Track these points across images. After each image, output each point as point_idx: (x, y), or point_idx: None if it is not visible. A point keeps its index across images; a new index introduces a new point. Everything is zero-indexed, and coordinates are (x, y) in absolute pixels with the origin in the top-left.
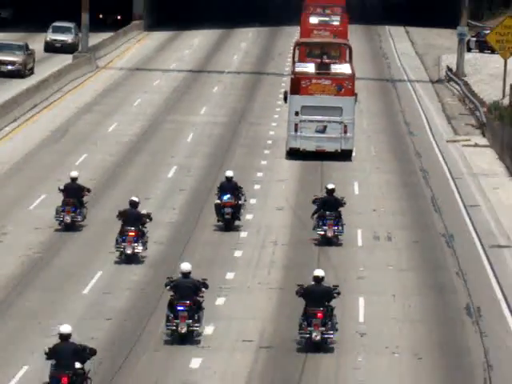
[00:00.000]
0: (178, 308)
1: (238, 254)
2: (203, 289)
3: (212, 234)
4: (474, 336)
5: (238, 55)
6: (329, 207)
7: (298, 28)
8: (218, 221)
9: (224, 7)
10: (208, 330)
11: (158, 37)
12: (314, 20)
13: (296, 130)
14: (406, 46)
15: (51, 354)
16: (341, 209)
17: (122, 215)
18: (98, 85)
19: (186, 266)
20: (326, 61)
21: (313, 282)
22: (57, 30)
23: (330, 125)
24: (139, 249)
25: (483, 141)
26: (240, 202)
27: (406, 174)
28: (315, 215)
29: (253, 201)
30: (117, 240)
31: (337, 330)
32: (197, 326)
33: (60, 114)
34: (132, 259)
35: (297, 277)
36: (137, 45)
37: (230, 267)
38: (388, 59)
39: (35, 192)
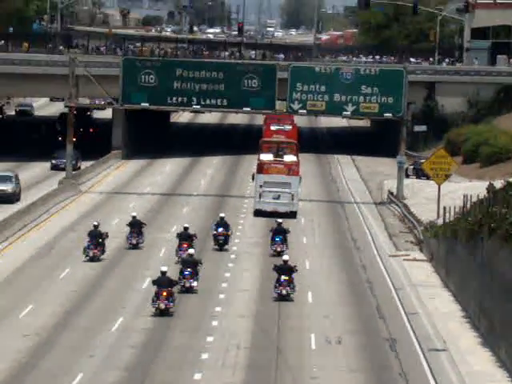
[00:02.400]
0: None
1: (205, 356)
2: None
3: (182, 338)
4: None
5: (205, 180)
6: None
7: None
8: (215, 245)
9: (192, 138)
10: None
11: (134, 164)
12: (273, 127)
13: (260, 197)
14: (352, 172)
15: (155, 282)
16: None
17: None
18: (80, 207)
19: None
20: (280, 153)
21: (282, 263)
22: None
23: (282, 194)
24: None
25: (421, 256)
26: (229, 233)
27: (353, 284)
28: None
29: (218, 308)
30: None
31: (295, 290)
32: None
33: (47, 233)
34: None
35: (258, 377)
36: (115, 171)
37: (198, 369)
38: (337, 183)
39: (24, 302)
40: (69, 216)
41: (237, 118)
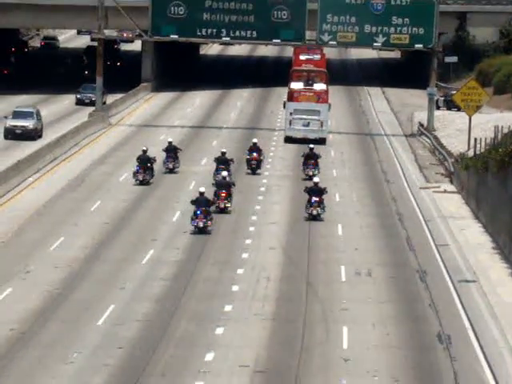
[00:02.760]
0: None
1: (235, 288)
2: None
3: (212, 271)
4: (444, 361)
5: (235, 113)
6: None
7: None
8: (248, 168)
9: (222, 71)
10: (208, 356)
11: (164, 97)
12: (302, 57)
13: (290, 125)
14: (382, 105)
15: (194, 201)
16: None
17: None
18: (110, 139)
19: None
20: (310, 81)
21: (313, 185)
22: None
23: (311, 121)
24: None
25: (451, 187)
26: (261, 158)
27: (383, 216)
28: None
29: (248, 241)
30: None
31: (325, 210)
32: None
33: (77, 166)
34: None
35: (287, 309)
36: (145, 104)
37: (228, 300)
38: (367, 116)
39: (55, 235)
40: (99, 149)
41: (266, 50)
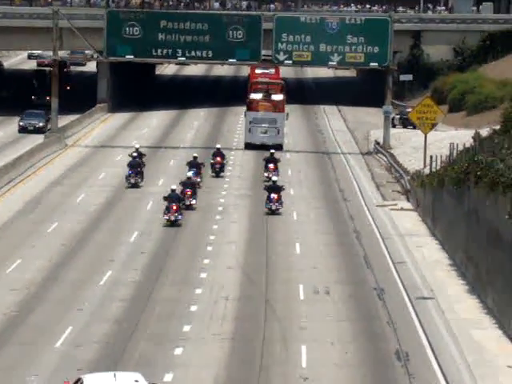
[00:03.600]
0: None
1: (193, 308)
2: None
3: (170, 291)
4: (403, 378)
5: (191, 132)
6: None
7: (244, 107)
8: (212, 172)
9: (178, 91)
10: (168, 377)
11: (120, 118)
12: (258, 71)
13: (250, 132)
14: (339, 123)
15: (166, 197)
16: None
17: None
18: (67, 161)
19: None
20: (268, 92)
21: (272, 183)
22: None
23: (269, 129)
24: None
25: (408, 205)
26: (224, 162)
27: (341, 234)
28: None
29: (206, 261)
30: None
31: (282, 206)
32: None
33: (33, 188)
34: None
35: (246, 328)
36: (101, 125)
37: (186, 321)
38: (323, 134)
39: (12, 257)
40: (55, 170)
41: (222, 70)
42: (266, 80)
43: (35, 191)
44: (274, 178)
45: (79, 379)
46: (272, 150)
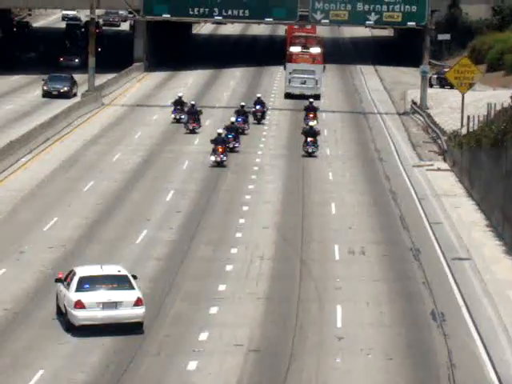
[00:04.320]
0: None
1: (229, 268)
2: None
3: (206, 250)
4: (439, 338)
5: (228, 92)
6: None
7: (281, 68)
8: (254, 119)
9: (214, 50)
10: (203, 336)
11: (156, 77)
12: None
13: (289, 83)
14: (375, 83)
15: (213, 141)
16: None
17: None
18: (103, 120)
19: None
20: (306, 45)
21: (308, 128)
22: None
23: (308, 80)
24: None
25: (445, 165)
26: (265, 109)
27: (377, 195)
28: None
29: (241, 220)
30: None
31: (318, 149)
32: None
33: (70, 146)
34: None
35: (281, 288)
36: (137, 84)
37: (222, 280)
38: (360, 94)
39: (48, 215)
40: (92, 129)
41: (259, 29)
42: (304, 34)
43: (72, 150)
44: (311, 123)
45: (72, 270)
46: (311, 99)
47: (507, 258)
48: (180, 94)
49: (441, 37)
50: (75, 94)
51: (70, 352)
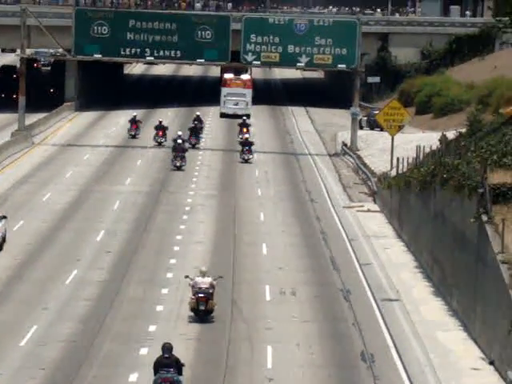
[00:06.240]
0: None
1: (159, 308)
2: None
3: (136, 290)
4: (368, 380)
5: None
6: (246, 145)
7: (212, 108)
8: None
9: (146, 90)
10: (132, 377)
11: (88, 116)
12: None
13: (224, 104)
14: (306, 124)
15: (174, 149)
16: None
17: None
18: (33, 159)
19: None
20: (238, 73)
21: (244, 139)
22: None
23: (239, 102)
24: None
25: (374, 207)
26: (202, 126)
27: (307, 236)
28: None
29: (172, 261)
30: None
31: (253, 156)
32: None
33: (0, 186)
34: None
35: (212, 328)
36: (68, 124)
37: (152, 320)
38: (291, 135)
39: None
40: (22, 168)
41: (191, 70)
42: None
43: (1, 189)
44: (246, 136)
45: None
46: (244, 117)
47: (435, 300)
48: (180, 133)
49: (370, 79)
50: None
51: None
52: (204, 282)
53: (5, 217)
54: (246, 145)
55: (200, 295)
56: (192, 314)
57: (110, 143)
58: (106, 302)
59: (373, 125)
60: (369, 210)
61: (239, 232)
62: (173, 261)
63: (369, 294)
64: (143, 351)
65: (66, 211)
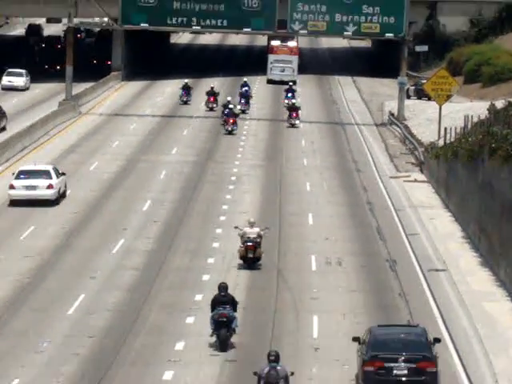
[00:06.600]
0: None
1: (205, 277)
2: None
3: (182, 260)
4: None
5: (202, 104)
6: (292, 110)
7: (258, 77)
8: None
9: (193, 60)
10: (179, 345)
11: (134, 86)
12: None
13: (271, 71)
14: (353, 94)
15: (224, 114)
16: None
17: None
18: (80, 129)
19: (229, 98)
20: (284, 40)
21: (291, 104)
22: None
23: (286, 68)
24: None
25: (421, 177)
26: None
27: (354, 205)
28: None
29: (218, 230)
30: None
31: (300, 121)
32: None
33: (47, 155)
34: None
35: (258, 298)
36: (115, 93)
37: (198, 289)
38: (337, 105)
39: (25, 224)
40: (69, 138)
41: (237, 39)
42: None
43: (49, 159)
44: (293, 101)
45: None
46: (290, 83)
47: (483, 270)
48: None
49: (418, 48)
50: (4, 128)
51: (46, 361)
52: (252, 231)
53: (64, 173)
54: (293, 110)
55: (249, 244)
56: (241, 262)
57: (156, 113)
58: (153, 271)
59: (420, 94)
60: (415, 180)
61: (285, 202)
62: (219, 230)
63: (415, 264)
64: (189, 320)
65: (113, 181)
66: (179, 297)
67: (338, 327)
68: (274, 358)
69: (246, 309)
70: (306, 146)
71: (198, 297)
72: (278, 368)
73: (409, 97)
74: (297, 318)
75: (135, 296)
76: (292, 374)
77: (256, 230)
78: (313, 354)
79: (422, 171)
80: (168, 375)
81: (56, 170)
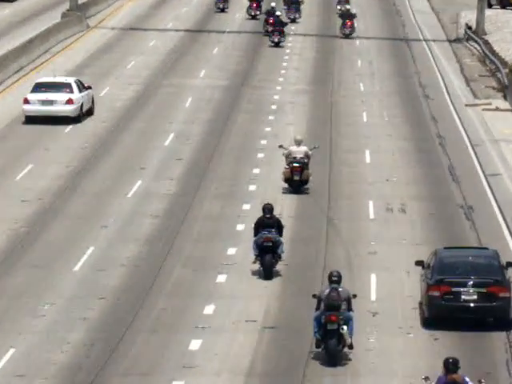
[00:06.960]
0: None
1: (240, 227)
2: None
3: (212, 206)
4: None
5: (240, 13)
6: (347, 17)
7: None
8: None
9: None
10: (208, 309)
11: None
12: None
13: None
14: (421, 2)
15: (268, 23)
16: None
17: None
18: (88, 45)
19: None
20: None
21: (344, 10)
22: None
23: None
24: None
25: (505, 104)
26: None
27: (420, 140)
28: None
29: (256, 170)
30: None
31: (355, 31)
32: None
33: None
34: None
35: (304, 253)
36: (130, 2)
37: (232, 242)
38: (402, 17)
39: (22, 162)
40: (75, 57)
41: None
42: None
43: None
44: (347, 6)
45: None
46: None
47: None
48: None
49: None
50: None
51: (47, 327)
52: (299, 151)
53: (90, 87)
54: (347, 17)
55: (295, 165)
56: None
57: (180, 26)
58: (176, 219)
59: (505, 2)
60: (497, 109)
61: (337, 136)
62: (256, 170)
63: (496, 211)
64: (221, 278)
65: (128, 109)
66: (208, 250)
67: (401, 288)
68: (337, 279)
69: (289, 265)
70: (362, 67)
71: (231, 250)
72: (340, 290)
73: (490, 5)
74: (351, 277)
75: (155, 249)
76: (355, 296)
77: (303, 148)
78: (371, 321)
79: (505, 97)
80: (195, 344)
81: (80, 83)
